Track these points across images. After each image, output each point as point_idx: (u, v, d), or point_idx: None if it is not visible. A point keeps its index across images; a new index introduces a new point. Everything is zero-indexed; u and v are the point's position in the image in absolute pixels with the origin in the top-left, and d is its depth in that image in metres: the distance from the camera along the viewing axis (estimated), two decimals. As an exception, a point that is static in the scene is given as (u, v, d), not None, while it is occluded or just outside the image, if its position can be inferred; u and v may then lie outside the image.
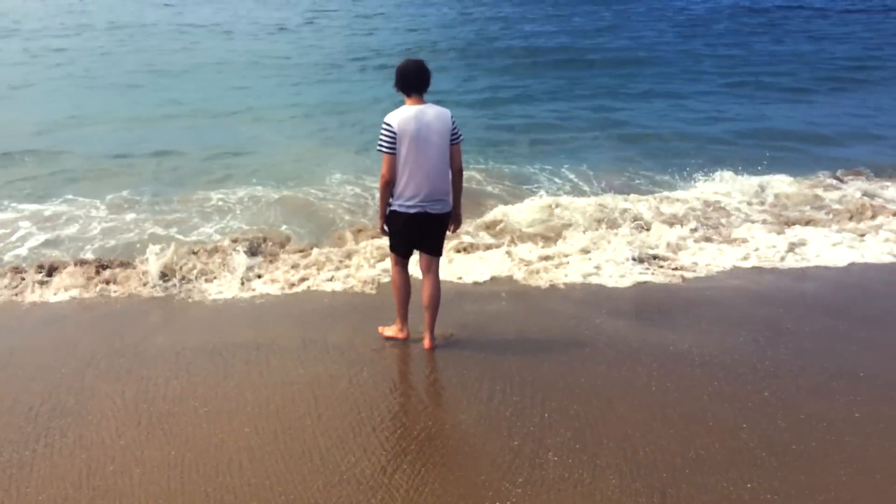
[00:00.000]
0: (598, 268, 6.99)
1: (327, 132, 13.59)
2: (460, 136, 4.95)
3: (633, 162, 11.43)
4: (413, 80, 4.79)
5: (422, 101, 4.84)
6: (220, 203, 9.31)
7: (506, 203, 9.19)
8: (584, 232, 7.90)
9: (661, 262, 7.19)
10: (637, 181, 10.56)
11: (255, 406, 4.58)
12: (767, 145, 12.36)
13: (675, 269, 7.06)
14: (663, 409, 4.54)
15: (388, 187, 4.89)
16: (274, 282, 6.73)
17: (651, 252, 7.34)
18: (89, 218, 8.69)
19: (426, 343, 5.31)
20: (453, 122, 4.88)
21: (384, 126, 4.77)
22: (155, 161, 11.45)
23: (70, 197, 9.41)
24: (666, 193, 9.68)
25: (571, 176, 10.76)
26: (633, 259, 7.09)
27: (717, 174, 10.15)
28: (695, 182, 10.16)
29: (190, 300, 6.42)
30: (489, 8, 40.61)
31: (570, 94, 17.29)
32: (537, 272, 6.93)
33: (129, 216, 8.78)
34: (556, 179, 10.64)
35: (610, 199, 9.15)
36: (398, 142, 4.73)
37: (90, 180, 10.34)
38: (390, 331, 5.50)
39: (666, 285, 6.70)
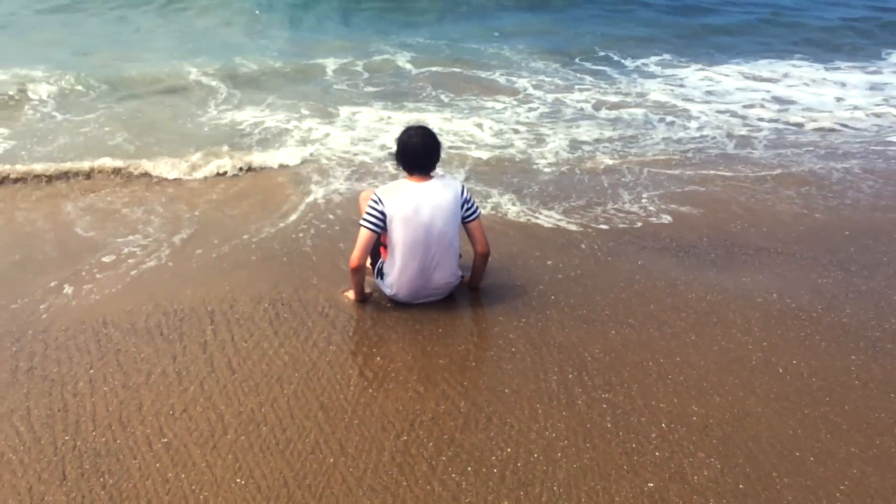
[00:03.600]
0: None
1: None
2: (475, 210, 4.01)
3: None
4: (416, 160, 3.86)
5: (427, 179, 3.89)
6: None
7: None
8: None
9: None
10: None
11: (244, 436, 3.05)
12: None
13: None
14: (811, 409, 3.36)
15: (360, 273, 3.92)
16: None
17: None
18: None
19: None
20: (464, 196, 3.95)
21: (373, 200, 3.84)
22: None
23: None
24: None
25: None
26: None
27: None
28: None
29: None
30: None
31: None
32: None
33: None
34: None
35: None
36: (388, 222, 3.82)
37: None
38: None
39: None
